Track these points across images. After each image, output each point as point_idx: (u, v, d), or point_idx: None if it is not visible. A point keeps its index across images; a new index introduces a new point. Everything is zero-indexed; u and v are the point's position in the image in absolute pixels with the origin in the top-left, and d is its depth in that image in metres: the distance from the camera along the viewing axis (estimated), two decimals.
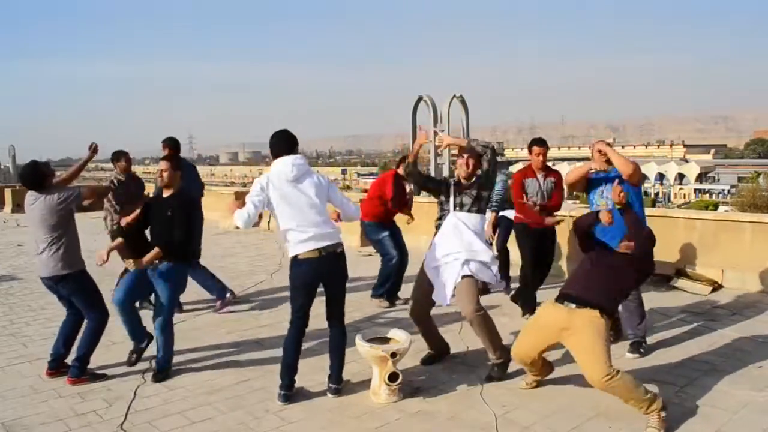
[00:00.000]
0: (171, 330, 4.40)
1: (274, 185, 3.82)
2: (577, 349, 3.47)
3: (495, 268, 4.25)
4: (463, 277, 4.10)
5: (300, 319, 3.93)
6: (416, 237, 7.30)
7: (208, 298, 6.22)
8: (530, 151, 5.56)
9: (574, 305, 3.56)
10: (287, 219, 3.81)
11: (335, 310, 4.01)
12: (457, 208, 4.22)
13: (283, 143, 3.94)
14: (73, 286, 4.27)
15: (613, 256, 3.85)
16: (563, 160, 76.56)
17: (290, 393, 3.92)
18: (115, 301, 4.44)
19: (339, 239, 3.92)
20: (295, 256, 3.83)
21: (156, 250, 4.28)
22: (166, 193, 4.53)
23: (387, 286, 6.25)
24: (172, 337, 4.40)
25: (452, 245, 4.15)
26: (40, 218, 4.15)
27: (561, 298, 3.67)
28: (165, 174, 4.49)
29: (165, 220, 4.37)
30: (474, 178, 4.26)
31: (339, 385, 4.00)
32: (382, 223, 6.23)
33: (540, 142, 5.53)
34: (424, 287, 4.33)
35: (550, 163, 5.70)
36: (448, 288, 4.13)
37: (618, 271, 3.72)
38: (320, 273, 3.86)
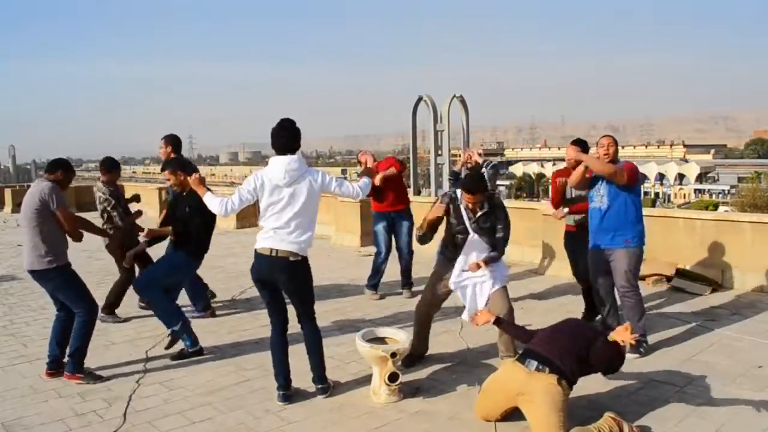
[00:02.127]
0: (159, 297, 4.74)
1: (266, 186, 3.79)
2: (531, 417, 3.31)
3: (502, 266, 4.37)
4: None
5: (274, 316, 3.95)
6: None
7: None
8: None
9: (535, 363, 3.38)
10: (267, 215, 3.84)
11: (298, 311, 3.98)
12: (475, 234, 4.23)
13: (282, 140, 3.79)
14: (55, 282, 4.22)
15: (584, 325, 3.66)
16: (563, 160, 76.53)
17: (288, 392, 3.91)
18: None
19: (301, 251, 3.82)
20: (255, 250, 3.91)
21: (167, 228, 4.76)
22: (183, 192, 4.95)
23: (377, 279, 6.42)
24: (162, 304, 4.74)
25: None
26: (26, 203, 4.19)
27: (523, 356, 3.50)
28: (179, 184, 4.93)
29: (183, 215, 4.78)
30: (485, 209, 4.21)
31: (324, 384, 3.98)
32: (379, 213, 6.37)
33: (575, 142, 5.25)
34: (439, 292, 4.40)
35: (550, 164, 5.59)
36: (479, 306, 4.24)
37: (585, 336, 3.49)
38: (269, 272, 3.83)
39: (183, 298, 6.17)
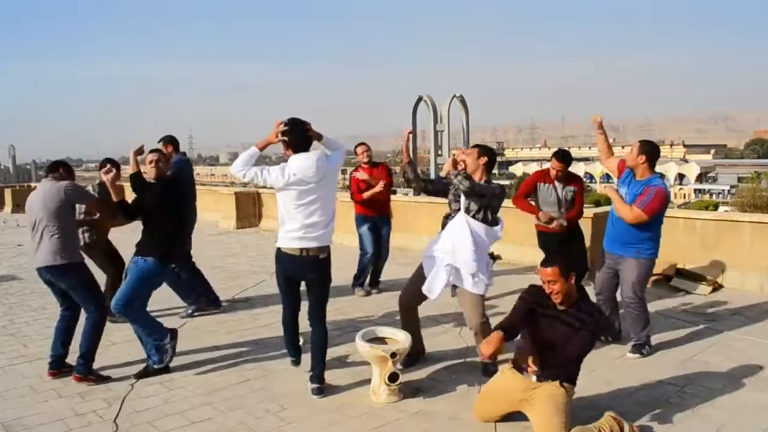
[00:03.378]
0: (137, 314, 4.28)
1: (296, 184, 3.77)
2: (534, 421, 3.32)
3: (481, 274, 4.11)
4: (454, 286, 4.18)
5: (289, 303, 4.10)
6: (417, 237, 7.28)
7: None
8: (552, 160, 5.46)
9: (533, 376, 3.36)
10: (289, 210, 3.85)
11: (314, 309, 4.03)
12: (467, 213, 4.17)
13: (303, 137, 3.83)
14: (72, 278, 4.20)
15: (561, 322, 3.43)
16: None
17: (298, 359, 4.30)
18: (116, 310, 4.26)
19: (326, 243, 3.91)
20: (279, 248, 3.93)
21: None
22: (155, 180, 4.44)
23: (364, 277, 6.58)
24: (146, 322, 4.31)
25: (445, 243, 4.18)
26: (43, 202, 4.16)
27: (520, 369, 3.45)
28: (160, 165, 4.43)
29: (155, 207, 4.35)
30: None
31: (320, 384, 3.98)
32: (365, 216, 6.51)
33: (560, 158, 5.23)
34: (419, 279, 4.33)
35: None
36: (436, 285, 4.16)
37: (571, 334, 3.37)
38: (299, 271, 3.92)
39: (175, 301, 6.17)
